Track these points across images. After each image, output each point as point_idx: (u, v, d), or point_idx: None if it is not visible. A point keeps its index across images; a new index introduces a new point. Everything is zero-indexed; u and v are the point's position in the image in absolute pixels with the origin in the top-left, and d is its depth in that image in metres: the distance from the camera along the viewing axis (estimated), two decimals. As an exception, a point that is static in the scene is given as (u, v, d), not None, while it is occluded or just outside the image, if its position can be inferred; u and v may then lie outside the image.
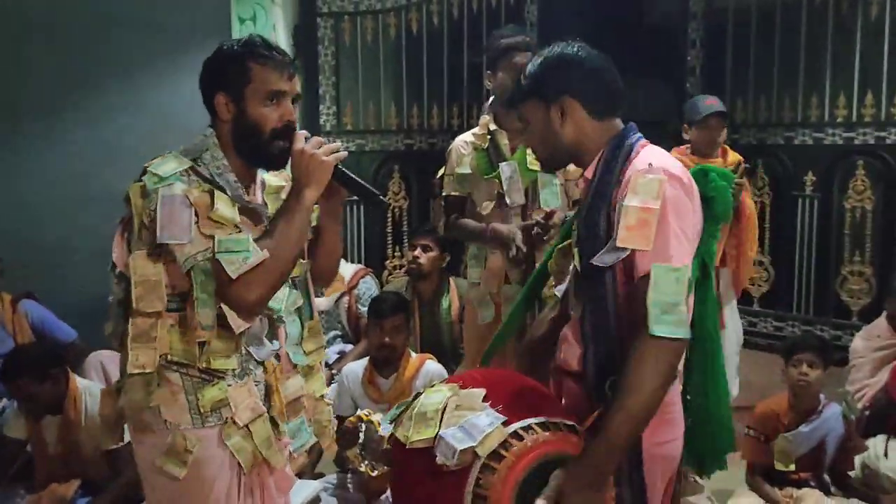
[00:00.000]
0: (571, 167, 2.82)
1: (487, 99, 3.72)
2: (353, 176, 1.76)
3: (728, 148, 3.57)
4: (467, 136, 2.97)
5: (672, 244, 1.50)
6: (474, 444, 1.47)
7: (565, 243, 1.87)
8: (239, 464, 1.75)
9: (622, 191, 1.56)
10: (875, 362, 3.45)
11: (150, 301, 1.66)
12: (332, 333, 3.96)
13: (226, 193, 1.70)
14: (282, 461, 1.82)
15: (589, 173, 1.68)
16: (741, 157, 3.52)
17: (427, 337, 3.79)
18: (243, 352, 1.76)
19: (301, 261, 1.86)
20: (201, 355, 1.70)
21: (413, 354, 3.18)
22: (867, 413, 3.29)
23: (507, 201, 2.83)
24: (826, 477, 3.05)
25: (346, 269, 4.00)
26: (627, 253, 1.52)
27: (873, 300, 4.00)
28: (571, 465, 1.47)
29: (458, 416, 1.51)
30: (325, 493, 3.00)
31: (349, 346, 3.88)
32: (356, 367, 3.21)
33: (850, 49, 3.98)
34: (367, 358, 3.21)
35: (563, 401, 1.74)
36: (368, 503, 2.98)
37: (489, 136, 2.89)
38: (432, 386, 1.70)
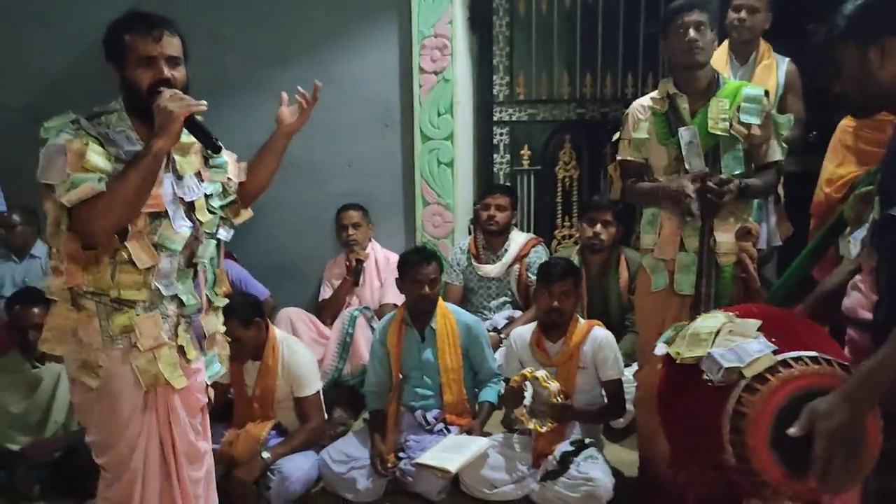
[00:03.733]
0: (757, 131, 2.75)
1: (663, 69, 3.67)
2: (202, 125, 2.07)
3: None
4: (645, 101, 2.93)
5: None
6: (741, 366, 1.52)
7: (864, 190, 1.84)
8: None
9: None
10: None
11: (55, 239, 2.01)
12: (501, 299, 4.04)
13: (115, 147, 2.00)
14: (182, 383, 2.13)
15: None
16: None
17: (595, 307, 3.79)
18: (153, 287, 2.07)
19: (211, 215, 2.21)
20: (112, 287, 2.03)
21: (581, 320, 3.20)
22: None
23: (687, 167, 2.78)
24: None
25: (518, 238, 4.06)
26: None
27: None
28: (830, 395, 1.44)
29: (730, 341, 1.58)
30: (493, 450, 3.09)
31: (518, 313, 3.95)
32: (524, 332, 3.27)
33: None
34: (536, 322, 3.26)
35: (847, 349, 1.72)
36: (535, 463, 3.05)
37: (668, 100, 2.84)
38: (707, 313, 1.79)
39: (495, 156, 4.48)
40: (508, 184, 4.46)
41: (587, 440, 3.04)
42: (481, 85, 4.43)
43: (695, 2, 2.75)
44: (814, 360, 1.51)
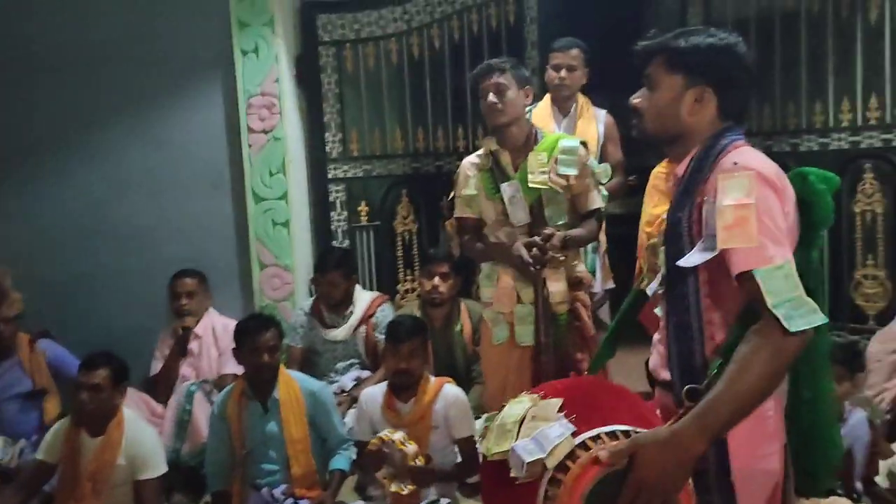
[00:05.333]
0: (575, 181, 2.87)
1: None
2: None
3: None
4: (472, 158, 3.02)
5: (768, 245, 1.46)
6: (543, 456, 1.46)
7: (653, 240, 1.85)
8: None
9: (708, 191, 1.54)
10: (892, 365, 3.42)
11: None
12: (348, 361, 3.95)
13: None
14: None
15: (680, 170, 1.66)
16: None
17: (440, 360, 3.79)
18: None
19: None
20: None
21: (432, 378, 3.17)
22: (888, 417, 3.26)
23: (512, 220, 2.85)
24: (859, 485, 3.01)
25: (363, 297, 4.00)
26: (716, 253, 1.48)
27: (889, 303, 3.96)
28: (656, 436, 1.40)
29: (533, 428, 1.52)
30: (347, 521, 2.99)
31: (366, 373, 3.88)
32: (375, 393, 3.20)
33: (852, 54, 3.97)
34: (386, 383, 3.20)
35: (659, 411, 1.69)
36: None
37: (491, 157, 2.92)
38: (516, 397, 1.70)
39: (332, 213, 4.43)
40: (346, 244, 4.40)
41: (443, 500, 3.00)
42: (314, 142, 4.38)
43: (494, 65, 2.88)
44: (611, 435, 1.47)
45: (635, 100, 1.70)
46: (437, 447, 3.10)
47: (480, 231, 2.99)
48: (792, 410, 1.64)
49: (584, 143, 3.00)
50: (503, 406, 1.69)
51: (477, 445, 3.15)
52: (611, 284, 3.87)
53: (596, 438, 1.46)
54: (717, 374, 1.46)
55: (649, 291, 1.81)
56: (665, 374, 1.66)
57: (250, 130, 4.11)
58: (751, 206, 1.47)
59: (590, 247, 3.61)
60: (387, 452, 2.87)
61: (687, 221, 1.57)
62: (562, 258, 2.81)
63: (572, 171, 2.87)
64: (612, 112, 3.99)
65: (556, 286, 2.82)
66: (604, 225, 3.16)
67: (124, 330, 4.15)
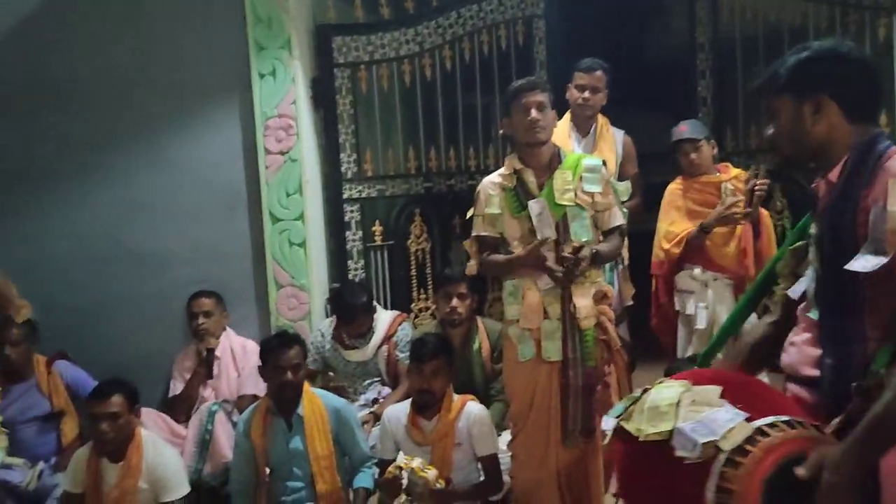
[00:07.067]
0: (599, 198, 2.91)
1: (504, 143, 3.84)
2: None
3: (729, 165, 3.77)
4: (494, 178, 3.02)
5: None
6: (717, 439, 1.46)
7: (797, 244, 1.85)
8: None
9: (874, 193, 1.55)
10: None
11: None
12: (369, 380, 3.95)
13: None
14: None
15: (833, 176, 1.66)
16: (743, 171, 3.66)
17: (459, 379, 3.77)
18: None
19: None
20: None
21: (455, 396, 3.18)
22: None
23: (539, 237, 2.88)
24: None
25: (384, 317, 3.99)
26: (888, 259, 1.49)
27: None
28: (841, 444, 1.40)
29: (695, 412, 1.51)
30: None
31: (386, 390, 3.88)
32: (398, 411, 3.21)
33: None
34: (410, 401, 3.21)
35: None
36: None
37: (515, 175, 2.94)
38: (660, 382, 1.69)
39: (347, 233, 4.45)
40: (360, 263, 4.41)
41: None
42: (329, 163, 4.41)
43: (537, 82, 2.92)
44: (788, 424, 1.48)
45: (769, 132, 1.76)
46: (460, 464, 3.11)
47: (498, 250, 3.01)
48: None
49: (604, 162, 3.04)
50: (647, 389, 1.69)
51: (502, 453, 3.16)
52: (629, 301, 3.89)
53: (773, 425, 1.46)
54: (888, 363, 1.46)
55: (793, 294, 1.82)
56: (807, 371, 1.67)
57: (267, 152, 4.14)
58: None
59: (607, 265, 3.64)
60: (402, 481, 2.87)
61: (851, 224, 1.58)
62: (588, 274, 2.85)
63: (597, 189, 2.91)
64: (623, 129, 4.04)
65: (583, 301, 2.85)
66: (626, 241, 3.19)
67: (141, 352, 4.17)
